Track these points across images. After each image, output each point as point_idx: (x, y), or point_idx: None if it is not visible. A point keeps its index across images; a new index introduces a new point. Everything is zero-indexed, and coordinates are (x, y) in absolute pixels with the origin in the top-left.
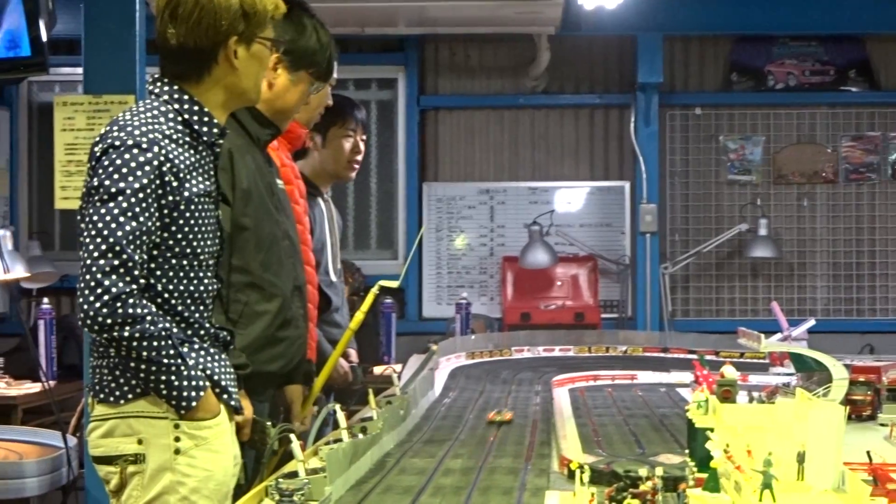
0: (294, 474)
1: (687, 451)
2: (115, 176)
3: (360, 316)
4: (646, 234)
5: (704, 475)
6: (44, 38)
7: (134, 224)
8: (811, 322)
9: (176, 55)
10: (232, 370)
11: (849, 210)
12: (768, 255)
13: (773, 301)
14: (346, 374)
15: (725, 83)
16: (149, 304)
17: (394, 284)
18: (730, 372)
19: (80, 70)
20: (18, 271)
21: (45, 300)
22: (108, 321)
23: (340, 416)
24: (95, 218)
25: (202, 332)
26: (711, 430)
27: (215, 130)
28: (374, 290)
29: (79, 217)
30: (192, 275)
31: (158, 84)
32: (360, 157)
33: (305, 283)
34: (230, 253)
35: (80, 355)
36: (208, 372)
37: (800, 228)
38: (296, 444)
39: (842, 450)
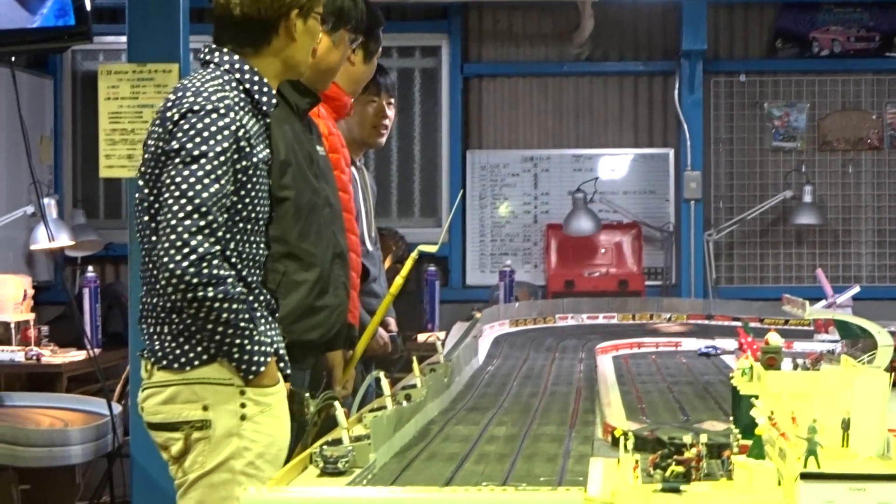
0: (338, 441)
1: (731, 418)
2: (197, 139)
3: (399, 281)
4: (690, 202)
5: (749, 442)
6: (88, 6)
7: (217, 186)
8: (856, 289)
9: (238, 25)
10: (281, 338)
11: (893, 177)
12: (813, 221)
13: (817, 268)
14: (385, 345)
15: (770, 50)
16: (228, 267)
17: (433, 248)
18: (774, 339)
19: (123, 39)
20: (63, 240)
21: (90, 268)
22: (195, 281)
23: (384, 383)
24: (178, 180)
25: (261, 298)
26: (756, 397)
27: (273, 100)
28: (414, 255)
29: (140, 182)
30: (251, 238)
31: (217, 54)
32: (387, 122)
33: (348, 250)
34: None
35: (124, 323)
36: (268, 339)
37: (844, 195)
38: (340, 412)
39: (886, 417)
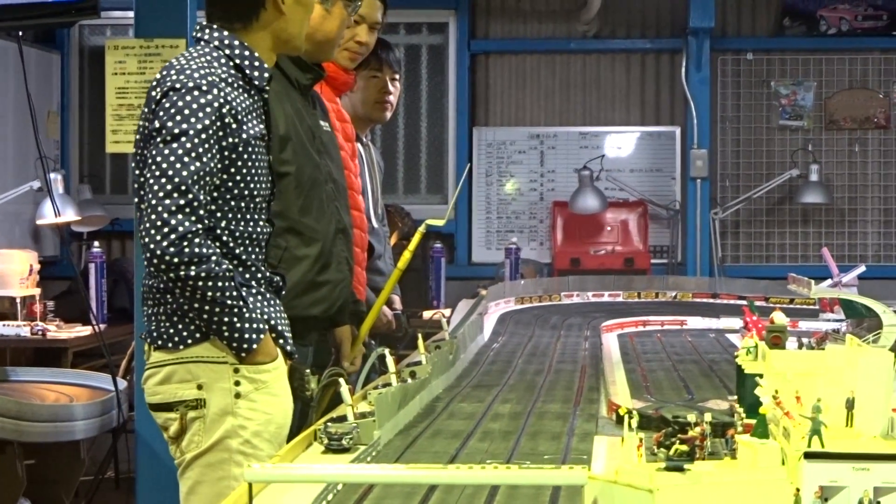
0: (342, 418)
1: (736, 396)
2: (178, 117)
3: (407, 255)
4: (696, 180)
5: (753, 421)
6: None
7: (198, 164)
8: (862, 268)
9: (225, 0)
10: (286, 315)
11: None
12: (819, 200)
13: (823, 247)
14: (389, 323)
15: (777, 28)
16: (213, 244)
17: (440, 222)
18: (779, 318)
19: (131, 14)
20: (69, 215)
21: (96, 244)
22: (175, 260)
23: (389, 360)
24: (159, 159)
25: (259, 276)
26: (760, 376)
27: (266, 75)
28: (421, 230)
29: (133, 163)
30: (248, 217)
31: (207, 31)
32: (390, 98)
33: (351, 226)
34: None
35: (130, 299)
36: (265, 316)
37: (851, 174)
38: (344, 389)
39: (891, 396)
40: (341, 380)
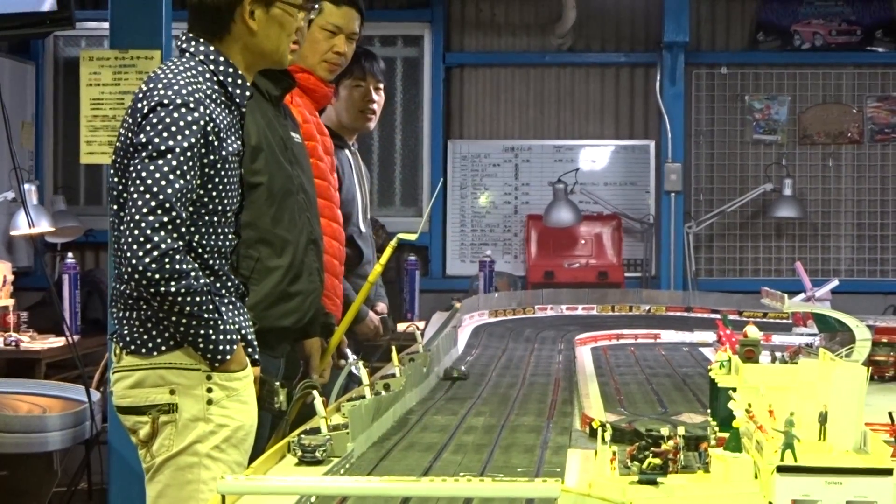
0: (316, 430)
1: (709, 410)
2: (165, 134)
3: (378, 268)
4: (670, 193)
5: (726, 435)
6: None
7: (182, 182)
8: (835, 282)
9: (197, 11)
10: (251, 322)
11: (874, 171)
12: (792, 215)
13: (796, 261)
14: (376, 329)
15: (752, 42)
16: (191, 260)
17: (412, 237)
18: (753, 332)
19: (106, 25)
20: (43, 226)
21: (70, 255)
22: (157, 276)
23: (363, 372)
24: (144, 174)
25: (229, 284)
26: (734, 389)
27: (248, 93)
28: (393, 243)
29: (111, 171)
30: (219, 230)
31: (194, 43)
32: (374, 107)
33: (321, 236)
34: None
35: (103, 310)
36: (237, 326)
37: (824, 188)
38: (318, 401)
39: (864, 411)
40: (315, 392)
